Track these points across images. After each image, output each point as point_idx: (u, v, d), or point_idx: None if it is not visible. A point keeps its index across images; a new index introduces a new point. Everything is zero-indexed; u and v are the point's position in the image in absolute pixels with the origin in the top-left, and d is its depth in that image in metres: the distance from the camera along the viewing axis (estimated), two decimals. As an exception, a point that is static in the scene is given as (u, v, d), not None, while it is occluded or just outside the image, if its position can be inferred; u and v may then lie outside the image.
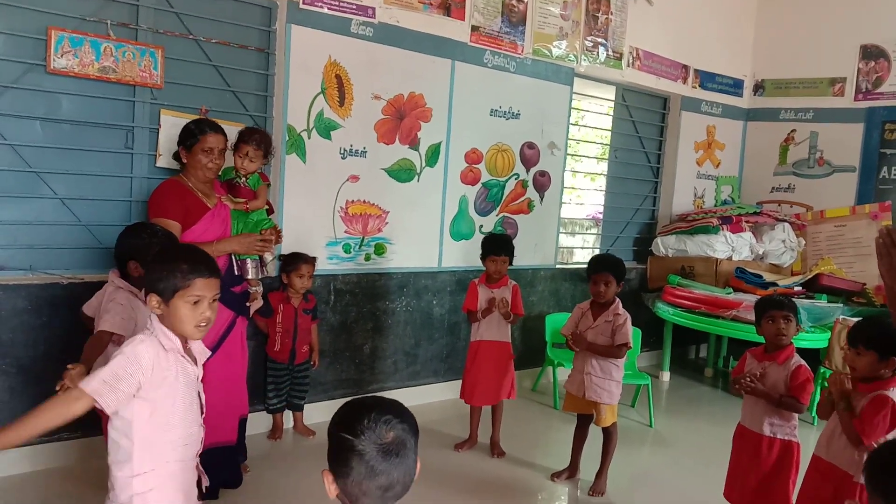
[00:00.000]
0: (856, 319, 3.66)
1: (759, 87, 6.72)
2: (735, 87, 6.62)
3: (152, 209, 3.01)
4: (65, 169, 3.35)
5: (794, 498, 2.84)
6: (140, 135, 3.52)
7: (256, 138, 3.21)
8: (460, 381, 4.03)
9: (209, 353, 2.00)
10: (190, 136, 3.02)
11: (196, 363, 1.94)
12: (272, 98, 3.92)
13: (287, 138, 3.91)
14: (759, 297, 4.40)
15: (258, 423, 3.91)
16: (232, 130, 3.26)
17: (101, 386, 1.73)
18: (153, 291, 1.83)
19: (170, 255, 1.90)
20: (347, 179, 4.18)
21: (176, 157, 3.15)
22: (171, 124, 3.41)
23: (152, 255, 1.95)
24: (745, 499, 2.97)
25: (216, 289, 1.89)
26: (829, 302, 5.25)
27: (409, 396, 4.59)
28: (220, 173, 3.17)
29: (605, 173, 6.04)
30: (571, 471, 3.68)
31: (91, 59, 3.26)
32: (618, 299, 3.52)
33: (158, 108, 3.50)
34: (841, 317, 4.86)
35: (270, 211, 3.40)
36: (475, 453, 3.94)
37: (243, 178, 3.21)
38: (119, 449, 1.82)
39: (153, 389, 1.79)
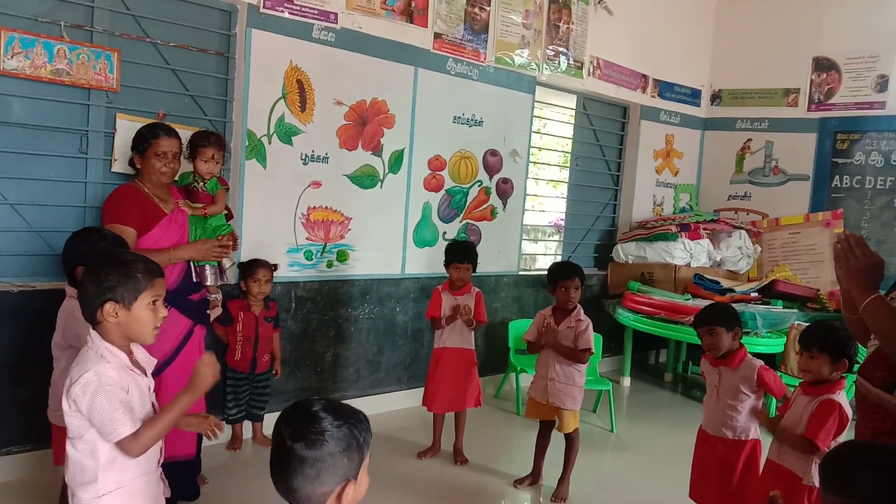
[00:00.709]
0: (807, 324, 3.76)
1: (716, 97, 6.87)
2: (693, 96, 6.75)
3: (107, 215, 2.93)
4: (16, 174, 3.25)
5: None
6: (95, 139, 3.44)
7: (215, 140, 3.17)
8: (423, 389, 4.01)
9: (155, 360, 1.94)
10: (142, 141, 2.95)
11: (145, 374, 1.89)
12: (232, 102, 3.87)
13: (247, 143, 3.86)
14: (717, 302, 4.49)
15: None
16: (187, 135, 3.20)
17: (132, 416, 1.73)
18: (110, 299, 1.75)
19: (121, 260, 1.83)
20: (309, 185, 4.14)
21: (131, 162, 3.08)
22: (128, 128, 3.33)
23: (95, 263, 1.83)
24: (712, 499, 3.02)
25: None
26: (784, 307, 5.38)
27: (371, 404, 4.55)
28: (177, 178, 3.11)
29: (567, 181, 6.10)
30: (534, 477, 3.69)
31: (44, 61, 3.18)
32: (579, 305, 3.55)
33: (114, 112, 3.43)
34: (796, 322, 4.98)
35: (230, 216, 3.34)
36: (438, 461, 3.92)
37: (201, 183, 3.16)
38: (84, 470, 1.76)
39: None
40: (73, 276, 2.62)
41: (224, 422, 3.84)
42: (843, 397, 2.49)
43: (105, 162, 3.46)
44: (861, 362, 2.04)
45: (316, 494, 1.28)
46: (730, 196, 6.82)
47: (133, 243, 2.85)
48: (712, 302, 4.96)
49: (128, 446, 1.70)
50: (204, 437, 3.28)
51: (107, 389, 1.70)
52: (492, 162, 5.14)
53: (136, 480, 1.81)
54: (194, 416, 2.05)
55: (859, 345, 2.30)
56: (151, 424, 1.75)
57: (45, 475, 3.11)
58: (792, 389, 2.76)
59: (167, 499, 2.21)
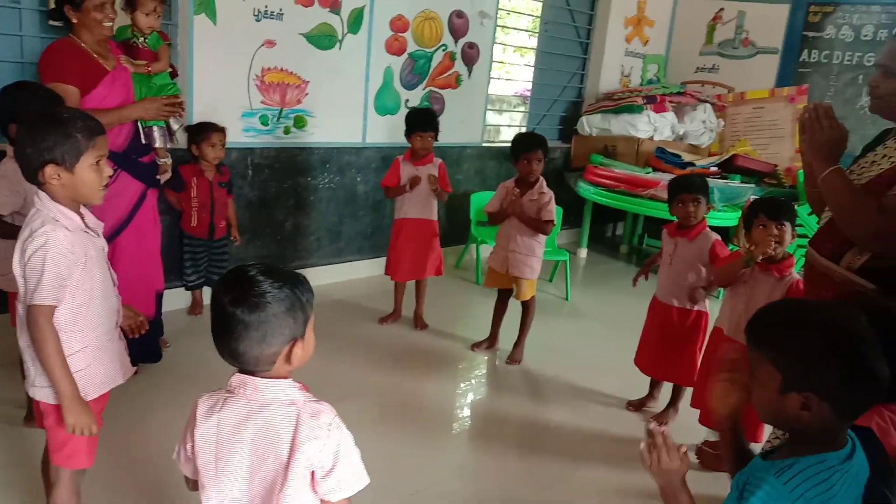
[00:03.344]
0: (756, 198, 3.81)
1: (692, -38, 6.58)
2: (669, -40, 6.46)
3: (45, 73, 2.72)
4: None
5: (697, 364, 3.05)
6: (25, -13, 3.15)
7: (156, -11, 2.91)
8: (385, 259, 4.04)
9: (102, 224, 1.87)
10: None
11: (98, 235, 1.83)
12: (176, -51, 3.55)
13: (195, -4, 3.58)
14: (675, 176, 4.52)
15: (177, 299, 3.84)
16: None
17: (56, 292, 1.65)
18: (49, 161, 1.64)
19: (57, 118, 1.69)
20: (263, 44, 3.91)
21: (60, 16, 2.79)
22: (61, -26, 3.04)
23: (30, 123, 1.69)
24: (654, 365, 3.18)
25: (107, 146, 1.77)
26: (742, 182, 5.46)
27: (333, 273, 4.60)
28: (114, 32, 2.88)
29: (535, 48, 5.89)
30: (491, 341, 3.83)
31: None
32: (542, 178, 3.52)
33: (45, -44, 3.12)
34: (752, 197, 5.07)
35: (174, 74, 3.13)
36: (399, 326, 4.02)
37: (142, 38, 2.93)
38: None
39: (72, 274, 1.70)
40: (7, 135, 2.47)
41: (184, 288, 3.85)
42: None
43: (41, 13, 3.18)
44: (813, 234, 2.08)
45: (264, 355, 1.28)
46: (698, 68, 6.71)
47: (76, 103, 2.67)
48: (689, 173, 4.96)
49: (36, 313, 1.66)
50: (163, 301, 3.31)
51: (51, 254, 1.64)
52: (458, 24, 4.90)
53: (99, 339, 1.80)
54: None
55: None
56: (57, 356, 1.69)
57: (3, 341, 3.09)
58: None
59: (131, 361, 2.22)
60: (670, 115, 5.97)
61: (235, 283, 1.29)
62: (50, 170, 1.65)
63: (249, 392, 1.30)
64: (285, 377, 1.33)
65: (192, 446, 1.33)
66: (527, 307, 3.69)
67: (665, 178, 5.15)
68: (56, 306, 1.67)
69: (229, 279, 1.31)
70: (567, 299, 4.83)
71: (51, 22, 3.13)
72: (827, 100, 5.96)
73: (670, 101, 6.01)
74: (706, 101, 6.26)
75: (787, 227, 2.52)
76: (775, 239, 2.49)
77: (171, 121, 2.99)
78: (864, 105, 5.84)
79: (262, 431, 1.29)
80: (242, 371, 1.32)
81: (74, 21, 2.73)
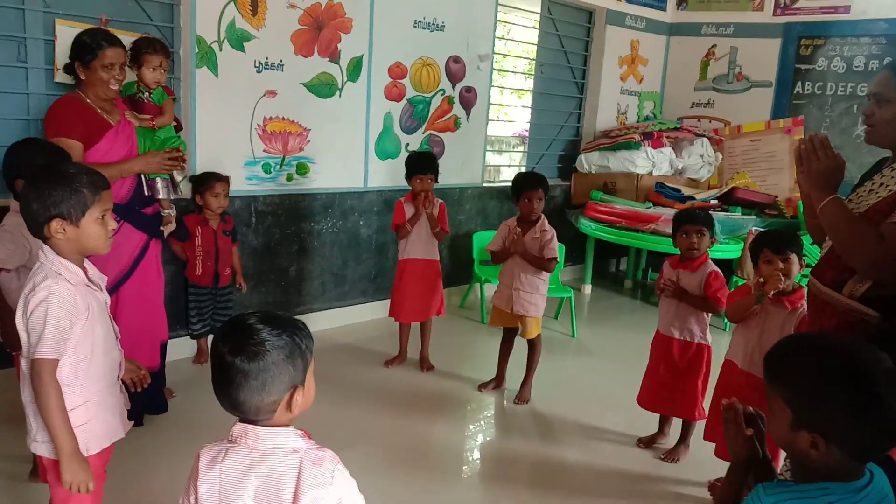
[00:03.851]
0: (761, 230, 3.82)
1: (682, 2, 6.72)
2: (659, 0, 6.59)
3: (50, 128, 2.77)
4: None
5: (701, 397, 3.02)
6: (34, 47, 3.23)
7: (160, 47, 2.98)
8: (389, 300, 4.04)
9: (106, 277, 1.89)
10: (86, 51, 2.75)
11: (101, 289, 1.84)
12: (178, 6, 3.65)
13: (196, 50, 3.67)
14: (676, 210, 4.55)
15: (182, 348, 3.84)
16: (130, 42, 3.01)
17: (58, 346, 1.66)
18: (55, 216, 1.67)
19: (63, 174, 1.72)
20: (264, 95, 3.99)
21: (69, 70, 2.88)
22: (68, 35, 3.09)
23: (36, 178, 1.72)
24: (657, 400, 3.16)
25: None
26: (742, 214, 5.48)
27: (338, 317, 4.60)
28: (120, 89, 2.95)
29: (532, 89, 5.99)
30: (498, 381, 3.80)
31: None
32: (543, 216, 3.55)
33: (53, 18, 3.21)
34: (753, 228, 5.09)
35: (179, 128, 3.20)
36: (405, 368, 4.00)
37: (147, 93, 3.00)
38: None
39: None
40: (14, 190, 2.51)
41: (189, 337, 3.85)
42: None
43: (47, 71, 3.26)
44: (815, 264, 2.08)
45: (265, 404, 1.28)
46: (693, 104, 6.79)
47: (80, 157, 2.72)
48: (690, 207, 4.98)
49: (39, 367, 1.66)
50: (168, 351, 3.31)
51: (53, 307, 1.65)
52: (454, 69, 5.00)
53: (101, 392, 1.81)
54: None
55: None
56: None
57: (7, 396, 3.09)
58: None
59: (137, 413, 2.22)
60: (668, 151, 6.03)
61: (234, 332, 1.29)
62: (56, 224, 1.68)
63: (251, 441, 1.30)
64: (287, 425, 1.33)
65: (196, 498, 1.32)
66: (533, 345, 3.68)
67: (666, 212, 5.18)
68: (58, 360, 1.68)
69: (228, 328, 1.31)
70: (573, 336, 4.81)
71: (56, 80, 3.22)
72: (823, 130, 6.08)
73: (667, 137, 6.07)
74: (703, 136, 6.33)
75: (794, 258, 2.53)
76: (782, 272, 2.50)
77: (175, 173, 3.04)
78: (860, 134, 5.89)
79: (265, 481, 1.27)
80: (243, 420, 1.32)
81: (82, 77, 2.80)
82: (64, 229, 1.69)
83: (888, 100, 1.86)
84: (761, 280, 2.54)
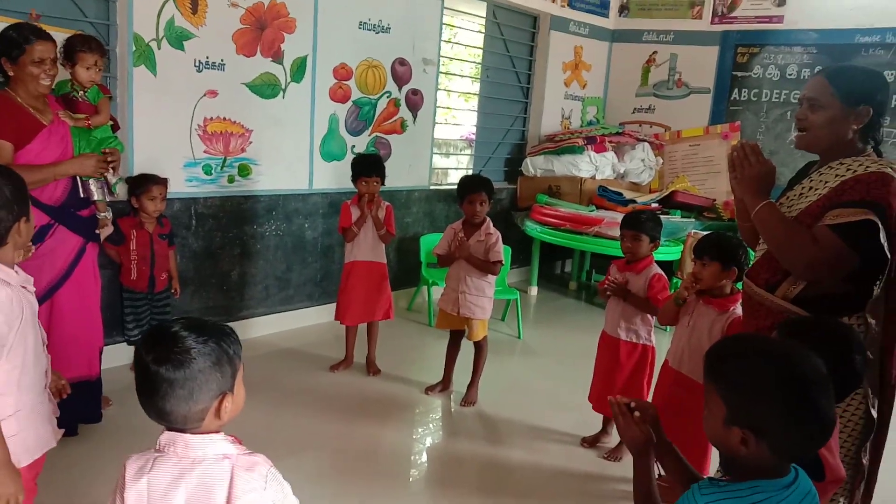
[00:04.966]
0: (705, 233, 3.93)
1: (624, 9, 6.87)
2: (602, 7, 6.72)
3: (-24, 129, 2.65)
4: None
5: (645, 398, 3.08)
6: (-45, 40, 3.07)
7: (95, 45, 2.88)
8: (335, 304, 3.99)
9: (31, 278, 1.81)
10: (13, 46, 2.62)
11: (32, 293, 1.76)
12: (115, 3, 3.54)
13: (134, 49, 3.56)
14: (619, 213, 4.63)
15: (119, 355, 3.71)
16: (62, 39, 2.90)
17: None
18: None
19: None
20: (205, 95, 3.90)
21: None
22: (-6, 29, 2.99)
23: None
24: (603, 400, 3.20)
25: None
26: (682, 217, 5.63)
27: (282, 322, 4.53)
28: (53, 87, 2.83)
29: (478, 93, 6.02)
30: (445, 384, 3.80)
31: None
32: (488, 219, 3.57)
33: (-23, 11, 3.06)
34: (692, 231, 5.22)
35: (116, 127, 3.09)
36: (352, 373, 3.96)
37: (81, 92, 2.89)
38: None
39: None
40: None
41: (126, 343, 3.72)
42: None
43: (-30, 67, 3.11)
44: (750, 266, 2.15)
45: (193, 412, 1.25)
46: (635, 109, 6.95)
47: (9, 158, 2.60)
48: (631, 210, 5.07)
49: None
50: (104, 358, 3.19)
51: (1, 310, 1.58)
52: (401, 72, 4.98)
53: (32, 401, 1.74)
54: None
55: (750, 251, 2.40)
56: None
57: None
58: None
59: (71, 423, 2.13)
60: (610, 155, 6.15)
61: (158, 340, 1.25)
62: None
63: (180, 450, 1.26)
64: (216, 432, 1.30)
65: None
66: (479, 347, 3.69)
67: (609, 215, 5.27)
68: None
69: (151, 337, 1.27)
70: (520, 337, 4.85)
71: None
72: (758, 136, 6.30)
73: (610, 142, 6.19)
74: (644, 141, 6.48)
75: (714, 263, 2.55)
76: (693, 276, 2.60)
77: (108, 174, 2.93)
78: (793, 140, 6.12)
79: (195, 490, 1.24)
80: (171, 429, 1.28)
81: (11, 74, 2.66)
82: None
83: (821, 105, 1.93)
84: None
